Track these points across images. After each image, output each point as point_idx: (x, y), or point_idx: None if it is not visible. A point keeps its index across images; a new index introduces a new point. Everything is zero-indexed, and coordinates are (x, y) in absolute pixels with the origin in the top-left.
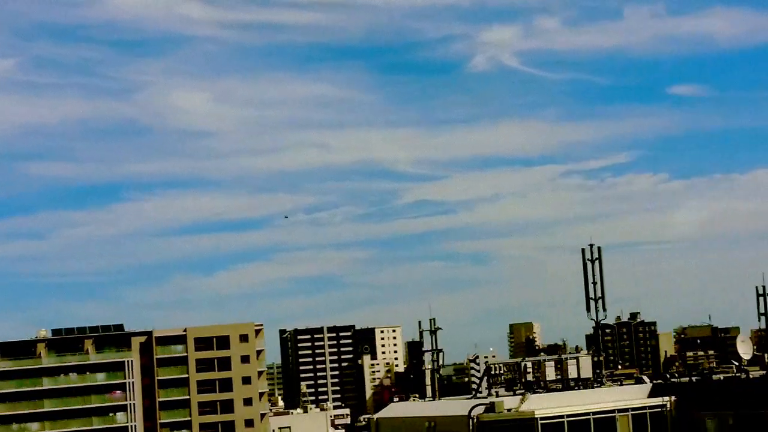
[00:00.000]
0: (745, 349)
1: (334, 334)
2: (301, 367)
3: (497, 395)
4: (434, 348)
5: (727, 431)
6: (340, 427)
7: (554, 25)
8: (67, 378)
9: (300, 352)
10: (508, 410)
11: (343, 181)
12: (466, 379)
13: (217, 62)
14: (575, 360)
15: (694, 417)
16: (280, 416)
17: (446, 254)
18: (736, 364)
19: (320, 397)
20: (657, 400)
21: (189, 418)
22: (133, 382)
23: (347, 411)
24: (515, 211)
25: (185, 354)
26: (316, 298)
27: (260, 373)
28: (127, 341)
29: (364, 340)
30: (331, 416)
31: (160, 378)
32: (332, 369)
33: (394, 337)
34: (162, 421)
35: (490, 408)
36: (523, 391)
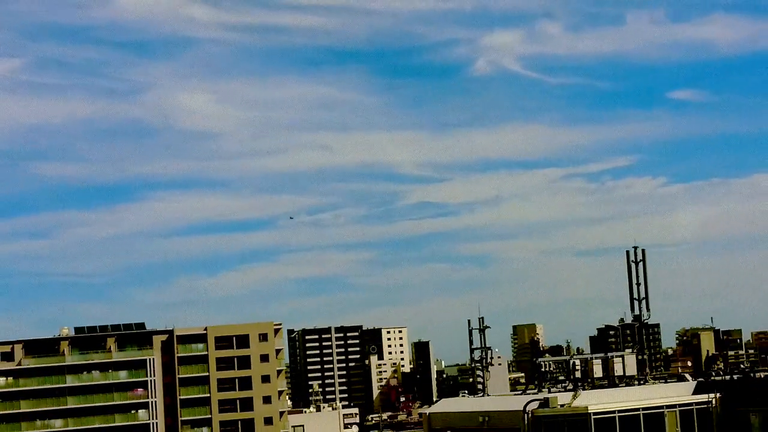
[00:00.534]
0: None
1: (341, 335)
2: (309, 367)
3: (549, 391)
4: (483, 346)
5: None
6: (349, 425)
7: (556, 30)
8: (90, 375)
9: (308, 352)
10: (561, 406)
11: (347, 182)
12: (471, 380)
13: (222, 64)
14: (620, 358)
15: (738, 413)
16: (293, 415)
17: (448, 256)
18: None
19: (327, 397)
20: (702, 397)
21: (209, 416)
22: (154, 380)
23: (356, 410)
24: (517, 214)
25: (206, 352)
26: (319, 299)
27: (279, 371)
28: (149, 339)
29: (371, 340)
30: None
31: (181, 376)
32: (339, 369)
33: (401, 338)
34: (183, 418)
35: (544, 403)
36: (572, 387)
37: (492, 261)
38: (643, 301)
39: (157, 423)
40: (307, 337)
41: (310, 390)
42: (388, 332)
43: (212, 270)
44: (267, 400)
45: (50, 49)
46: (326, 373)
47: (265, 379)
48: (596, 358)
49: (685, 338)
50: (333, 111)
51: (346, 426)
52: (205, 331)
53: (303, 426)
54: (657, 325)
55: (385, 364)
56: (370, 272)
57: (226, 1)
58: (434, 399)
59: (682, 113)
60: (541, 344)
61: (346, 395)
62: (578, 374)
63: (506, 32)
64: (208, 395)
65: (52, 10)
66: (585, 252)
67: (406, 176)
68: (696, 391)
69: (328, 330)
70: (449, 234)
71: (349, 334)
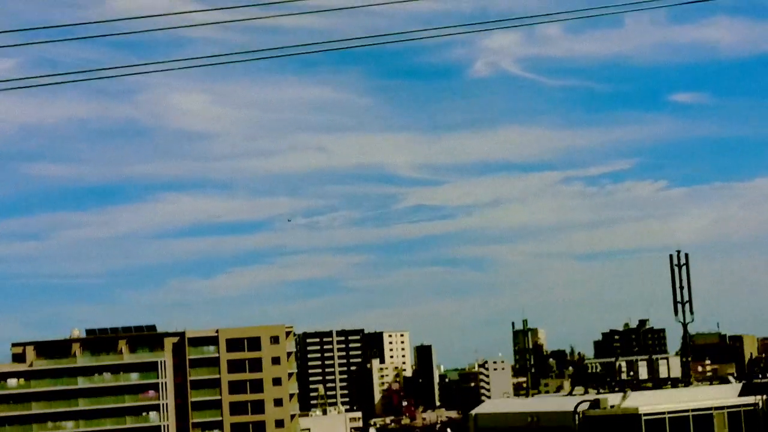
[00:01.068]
0: None
1: (342, 338)
2: (310, 371)
3: (598, 392)
4: (527, 347)
5: None
6: (353, 429)
7: (555, 31)
8: (101, 377)
9: (309, 356)
10: (612, 407)
11: (343, 184)
12: (473, 384)
13: (218, 64)
14: (665, 360)
15: None
16: (299, 418)
17: (445, 259)
18: None
19: (329, 401)
20: (749, 399)
21: (220, 418)
22: (165, 382)
23: (360, 414)
24: (515, 217)
25: (217, 355)
26: (315, 302)
27: (291, 374)
28: (160, 342)
29: (373, 344)
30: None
31: (192, 378)
32: (341, 372)
33: (402, 342)
34: (194, 420)
35: (595, 404)
36: (618, 389)
37: (490, 264)
38: (686, 305)
39: (168, 425)
40: (308, 340)
41: (315, 393)
42: (390, 336)
43: (207, 272)
44: (278, 402)
45: (45, 48)
46: (327, 377)
47: (277, 381)
48: (641, 360)
49: (692, 343)
50: (329, 112)
51: (353, 429)
52: (216, 334)
53: (309, 429)
54: (663, 330)
55: (386, 368)
56: (366, 275)
57: (221, 0)
58: (436, 404)
59: (683, 116)
60: (544, 349)
61: (347, 399)
62: (623, 376)
63: (505, 34)
64: (219, 398)
65: (46, 9)
66: (584, 256)
67: (403, 178)
68: (742, 393)
69: (329, 333)
70: (446, 237)
71: (350, 338)
